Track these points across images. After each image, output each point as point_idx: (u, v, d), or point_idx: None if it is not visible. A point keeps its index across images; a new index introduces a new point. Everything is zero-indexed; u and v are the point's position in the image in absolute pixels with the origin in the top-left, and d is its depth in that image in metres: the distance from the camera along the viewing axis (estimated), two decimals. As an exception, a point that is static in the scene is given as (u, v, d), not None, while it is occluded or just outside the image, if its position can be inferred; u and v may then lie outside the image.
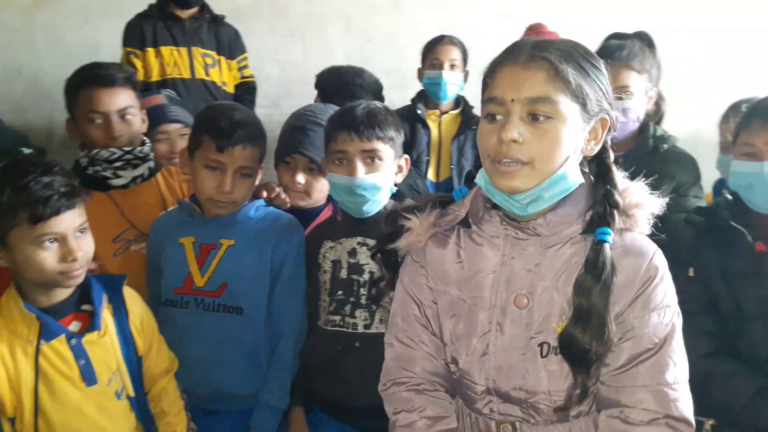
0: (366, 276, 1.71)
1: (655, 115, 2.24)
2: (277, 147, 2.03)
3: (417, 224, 1.30)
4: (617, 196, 1.19)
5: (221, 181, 1.76)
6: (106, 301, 1.58)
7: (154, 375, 1.68)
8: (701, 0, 3.84)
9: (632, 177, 1.25)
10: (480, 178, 1.23)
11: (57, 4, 3.81)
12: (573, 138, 1.14)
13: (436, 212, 1.31)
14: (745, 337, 1.63)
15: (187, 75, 3.16)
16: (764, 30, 3.82)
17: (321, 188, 2.00)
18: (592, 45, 1.35)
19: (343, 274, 1.74)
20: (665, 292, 1.17)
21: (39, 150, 2.38)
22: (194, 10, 3.27)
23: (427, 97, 3.13)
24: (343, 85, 2.44)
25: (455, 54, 3.06)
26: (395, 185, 1.78)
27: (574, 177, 1.17)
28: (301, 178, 1.97)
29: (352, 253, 1.73)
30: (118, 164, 2.02)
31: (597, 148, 1.21)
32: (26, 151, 2.23)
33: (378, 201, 1.72)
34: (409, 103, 3.13)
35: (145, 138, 2.13)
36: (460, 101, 3.17)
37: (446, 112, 3.13)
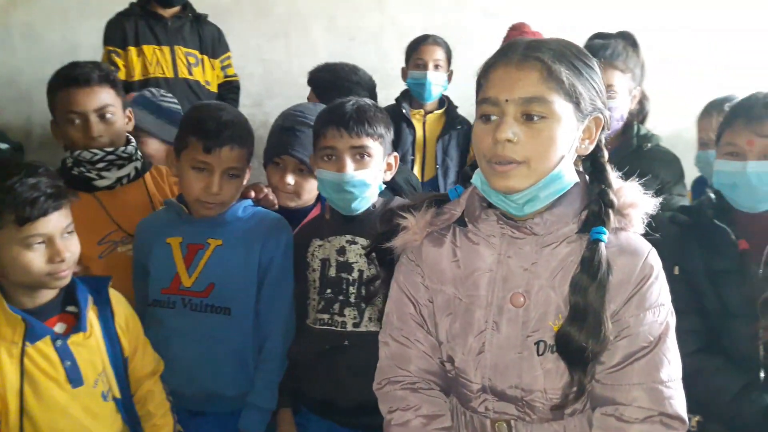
0: (355, 274, 1.71)
1: (639, 114, 2.26)
2: (266, 147, 2.02)
3: (413, 223, 1.30)
4: (612, 195, 1.20)
5: (209, 183, 1.74)
6: (91, 302, 1.56)
7: (140, 377, 1.66)
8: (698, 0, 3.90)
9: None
10: (476, 179, 1.24)
11: (34, 3, 3.77)
12: (567, 137, 1.15)
13: (431, 211, 1.31)
14: (729, 334, 1.65)
15: (170, 74, 3.13)
16: (761, 30, 3.86)
17: (311, 189, 1.99)
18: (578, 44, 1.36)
19: (332, 272, 1.73)
20: (660, 290, 1.19)
21: (16, 144, 2.36)
22: (176, 8, 3.24)
23: (412, 96, 3.13)
24: (338, 82, 2.43)
25: (439, 54, 3.06)
26: (384, 183, 1.78)
27: (569, 176, 1.18)
28: (290, 179, 1.96)
29: (341, 251, 1.73)
30: (100, 165, 2.00)
31: (591, 147, 1.22)
32: (2, 146, 2.21)
33: (367, 198, 1.72)
34: (393, 102, 3.13)
35: (130, 137, 2.10)
36: (444, 101, 3.18)
37: (430, 112, 3.13)
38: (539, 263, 1.20)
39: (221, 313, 1.75)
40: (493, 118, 1.15)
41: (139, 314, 1.79)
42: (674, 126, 2.48)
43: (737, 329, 1.64)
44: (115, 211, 2.00)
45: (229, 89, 3.36)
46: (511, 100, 1.13)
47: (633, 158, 2.08)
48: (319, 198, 2.06)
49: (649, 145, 2.19)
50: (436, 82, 3.04)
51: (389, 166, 1.78)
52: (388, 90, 3.24)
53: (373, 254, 1.44)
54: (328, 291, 1.73)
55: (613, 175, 1.23)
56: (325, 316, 1.72)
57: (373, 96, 2.45)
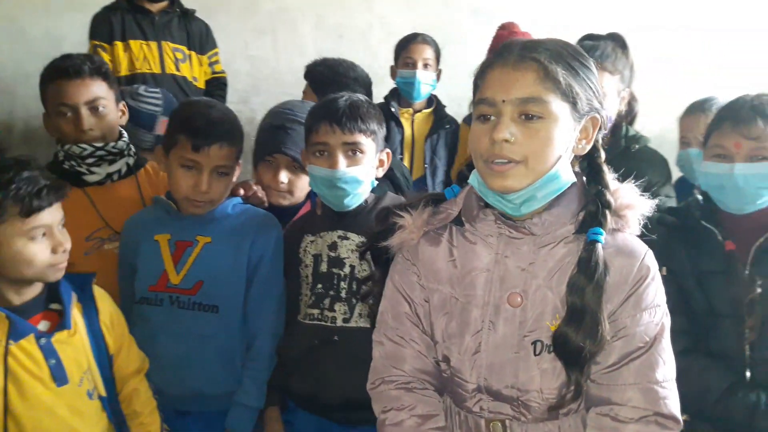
0: (347, 270, 1.70)
1: (628, 115, 2.28)
2: (256, 146, 2.00)
3: (410, 222, 1.30)
4: (609, 196, 1.21)
5: (197, 181, 1.73)
6: (75, 299, 1.55)
7: (125, 375, 1.65)
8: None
9: None
10: (473, 179, 1.24)
11: (17, -4, 3.71)
12: (564, 137, 1.16)
13: (428, 210, 1.32)
14: (716, 334, 1.67)
15: (157, 70, 3.09)
16: (759, 30, 3.91)
17: (303, 186, 1.99)
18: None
19: (324, 267, 1.72)
20: (656, 291, 1.20)
21: None
22: (164, 3, 3.20)
23: (400, 95, 3.13)
24: (336, 78, 2.43)
25: (428, 53, 3.07)
26: (377, 179, 1.77)
27: (566, 176, 1.19)
28: (284, 177, 1.95)
29: (333, 246, 1.72)
30: (90, 160, 1.98)
31: (588, 147, 1.23)
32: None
33: (359, 195, 1.71)
34: (381, 101, 3.13)
35: (123, 131, 2.08)
36: (432, 100, 3.18)
37: (419, 111, 3.13)
38: (537, 263, 1.21)
39: (209, 311, 1.74)
40: (490, 118, 1.16)
41: (124, 312, 1.77)
42: (665, 125, 2.50)
43: (724, 329, 1.66)
44: (104, 208, 1.98)
45: (217, 86, 3.33)
46: (508, 100, 1.13)
47: (621, 159, 2.08)
48: (309, 195, 2.05)
49: (637, 146, 2.20)
50: (425, 81, 3.05)
51: (381, 162, 1.78)
52: (377, 88, 3.21)
53: (368, 253, 1.43)
54: (319, 286, 1.72)
55: (610, 176, 1.24)
56: (315, 311, 1.71)
57: (369, 94, 2.45)
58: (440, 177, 3.10)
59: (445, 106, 3.21)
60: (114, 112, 2.04)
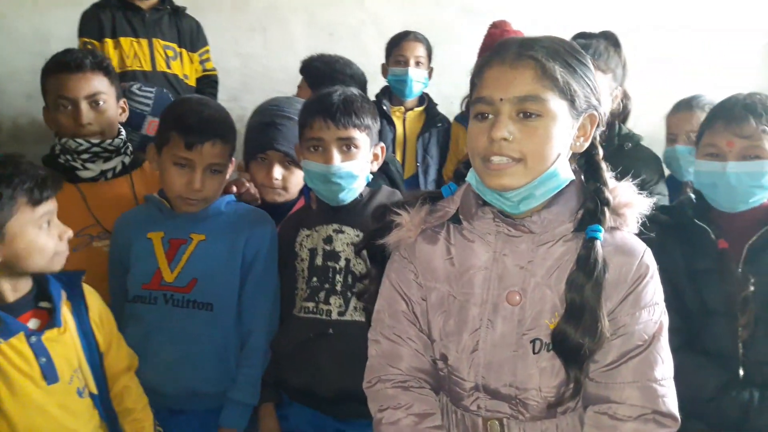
0: (342, 263, 1.70)
1: (621, 113, 2.28)
2: (247, 144, 1.99)
3: (407, 220, 1.30)
4: (607, 193, 1.21)
5: (191, 179, 1.73)
6: (64, 297, 1.53)
7: (116, 373, 1.63)
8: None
9: None
10: (471, 177, 1.24)
11: (3, -8, 3.67)
12: (563, 135, 1.16)
13: (426, 208, 1.31)
14: (709, 332, 1.67)
15: (147, 67, 3.07)
16: (756, 30, 3.94)
17: (297, 182, 1.98)
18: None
19: (319, 261, 1.72)
20: (655, 290, 1.20)
21: None
22: (155, 0, 3.17)
23: (392, 93, 3.12)
24: (333, 74, 2.43)
25: (420, 51, 3.05)
26: (371, 173, 1.77)
27: (565, 174, 1.18)
28: (278, 173, 1.94)
29: (328, 240, 1.72)
30: (85, 156, 1.97)
31: (586, 145, 1.23)
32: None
33: (354, 189, 1.71)
34: (373, 99, 3.12)
35: (122, 129, 2.07)
36: (424, 98, 3.17)
37: (411, 109, 3.12)
38: (535, 261, 1.20)
39: (203, 309, 1.73)
40: (488, 117, 1.15)
41: (116, 312, 1.76)
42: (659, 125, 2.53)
43: (717, 327, 1.66)
44: (95, 205, 1.97)
45: (208, 83, 3.31)
46: (506, 99, 1.13)
47: (614, 158, 2.05)
48: (302, 192, 2.04)
49: (630, 144, 2.21)
50: (417, 79, 3.03)
51: (376, 156, 1.77)
52: (369, 86, 3.23)
53: (364, 251, 1.43)
54: (314, 279, 1.72)
55: (608, 174, 1.24)
56: (310, 305, 1.71)
57: (364, 92, 2.44)
58: (432, 175, 3.09)
59: (436, 105, 3.21)
60: (114, 108, 2.03)
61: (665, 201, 2.15)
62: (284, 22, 3.86)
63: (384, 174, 2.07)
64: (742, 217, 1.70)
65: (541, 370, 1.19)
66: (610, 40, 2.23)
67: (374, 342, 1.34)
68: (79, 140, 1.95)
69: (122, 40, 3.07)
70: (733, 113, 1.68)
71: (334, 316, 1.68)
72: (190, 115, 1.74)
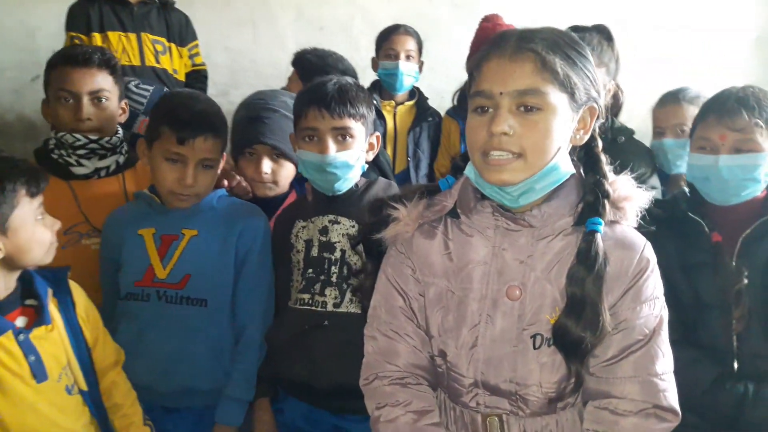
0: (337, 254, 1.68)
1: (613, 107, 2.28)
2: (234, 140, 1.97)
3: (404, 214, 1.28)
4: (607, 186, 1.20)
5: (182, 174, 1.71)
6: (50, 294, 1.52)
7: (103, 368, 1.62)
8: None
9: None
10: (469, 170, 1.22)
11: (-12, -14, 3.63)
12: (563, 128, 1.14)
13: (423, 202, 1.30)
14: (704, 325, 1.67)
15: (136, 62, 3.02)
16: (746, 27, 3.98)
17: (287, 175, 1.97)
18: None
19: (315, 252, 1.70)
20: (655, 284, 1.20)
21: None
22: (143, -6, 3.14)
23: (382, 87, 3.10)
24: (326, 68, 2.42)
25: (411, 44, 3.04)
26: (366, 163, 1.76)
27: (565, 168, 1.17)
28: (267, 167, 1.93)
29: (324, 231, 1.70)
30: (81, 152, 1.95)
31: (586, 138, 1.22)
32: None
33: (350, 179, 1.70)
34: (363, 92, 3.10)
35: (119, 129, 2.05)
36: (415, 92, 3.16)
37: (401, 104, 3.10)
38: (535, 256, 1.19)
39: (197, 305, 1.72)
40: (488, 110, 1.14)
41: (108, 309, 1.75)
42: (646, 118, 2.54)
43: (711, 321, 1.66)
44: (85, 203, 1.94)
45: (197, 78, 3.28)
46: (506, 92, 1.11)
47: (608, 151, 2.06)
48: (293, 186, 2.03)
49: (623, 138, 2.22)
50: (407, 73, 3.02)
51: (371, 146, 1.76)
52: (359, 81, 3.22)
53: (360, 245, 1.41)
54: (310, 271, 1.70)
55: (608, 167, 1.23)
56: (306, 296, 1.69)
57: (355, 87, 2.44)
58: (424, 170, 3.08)
59: (427, 99, 3.19)
60: (115, 107, 2.02)
61: (658, 194, 2.16)
62: (273, 16, 3.83)
63: (375, 166, 2.06)
64: (736, 210, 1.70)
65: (541, 365, 1.18)
66: (603, 33, 2.22)
67: (370, 338, 1.33)
68: (77, 135, 1.93)
69: (110, 34, 3.03)
70: (725, 107, 1.68)
71: (330, 307, 1.66)
72: (181, 109, 1.72)
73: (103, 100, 1.97)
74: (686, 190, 1.82)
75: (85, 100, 1.94)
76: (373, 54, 3.13)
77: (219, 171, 1.82)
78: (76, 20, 3.03)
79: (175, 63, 3.18)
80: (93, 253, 1.89)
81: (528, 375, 1.19)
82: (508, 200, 1.18)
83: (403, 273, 1.30)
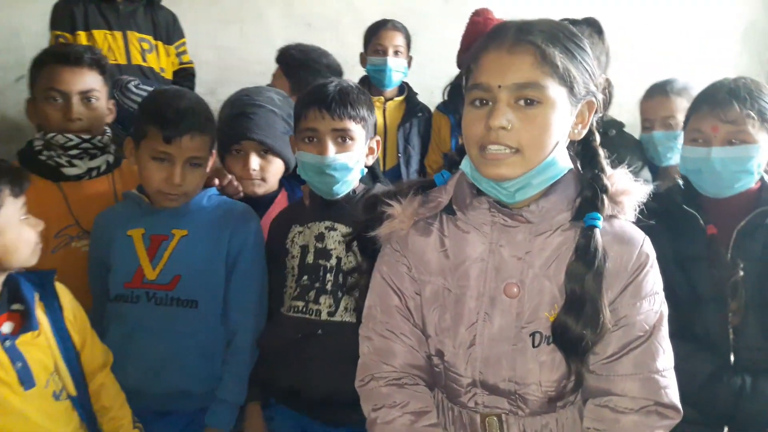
0: (333, 261, 1.66)
1: (603, 101, 2.27)
2: (220, 138, 1.94)
3: (399, 211, 1.26)
4: (605, 180, 1.18)
5: (170, 173, 1.69)
6: (37, 298, 1.49)
7: (91, 371, 1.60)
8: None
9: None
10: (465, 165, 1.20)
11: (-30, -15, 3.57)
12: (562, 123, 1.12)
13: (418, 198, 1.27)
14: (700, 318, 1.67)
15: (122, 61, 2.98)
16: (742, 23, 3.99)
17: (275, 171, 1.96)
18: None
19: (310, 258, 1.69)
20: (655, 279, 1.18)
21: None
22: (128, -9, 3.10)
23: (371, 83, 3.08)
24: (309, 63, 2.43)
25: (399, 40, 3.01)
26: (365, 167, 1.74)
27: (563, 163, 1.16)
28: (255, 163, 1.91)
29: (320, 237, 1.69)
30: (74, 152, 1.92)
31: (584, 132, 1.20)
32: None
33: (348, 182, 1.68)
34: (352, 88, 3.08)
35: (107, 129, 2.02)
36: (404, 88, 3.14)
37: (390, 99, 3.09)
38: (533, 252, 1.18)
39: (188, 306, 1.69)
40: (486, 104, 1.12)
41: (97, 311, 1.73)
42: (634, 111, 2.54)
43: (708, 314, 1.66)
44: (76, 205, 1.92)
45: (185, 77, 3.24)
46: (504, 86, 1.09)
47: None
48: (282, 184, 2.01)
49: (614, 131, 2.21)
50: (396, 69, 3.00)
51: (371, 150, 1.74)
52: (347, 77, 3.19)
53: (354, 243, 1.39)
54: (305, 278, 1.68)
55: (606, 161, 1.22)
56: (300, 304, 1.67)
57: (340, 83, 2.42)
58: (414, 166, 3.06)
59: (417, 94, 3.18)
60: (104, 107, 2.00)
61: (648, 186, 2.15)
62: (261, 13, 3.80)
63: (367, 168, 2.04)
64: (730, 202, 1.69)
65: (540, 364, 1.16)
66: (593, 27, 2.21)
67: (366, 339, 1.30)
68: (70, 135, 1.90)
69: (95, 32, 2.98)
70: (717, 98, 1.68)
71: (324, 316, 1.64)
72: (166, 107, 1.70)
73: (93, 100, 1.94)
74: (680, 182, 1.81)
75: (75, 100, 1.91)
76: (361, 50, 3.10)
77: (208, 169, 1.79)
78: (60, 19, 2.99)
79: (162, 61, 3.15)
80: (83, 256, 1.87)
81: (527, 374, 1.17)
82: (504, 195, 1.16)
83: (398, 271, 1.27)
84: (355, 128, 1.65)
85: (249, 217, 1.80)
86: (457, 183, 1.25)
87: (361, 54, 3.10)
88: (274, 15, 3.81)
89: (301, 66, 2.41)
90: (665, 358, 1.17)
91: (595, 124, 1.22)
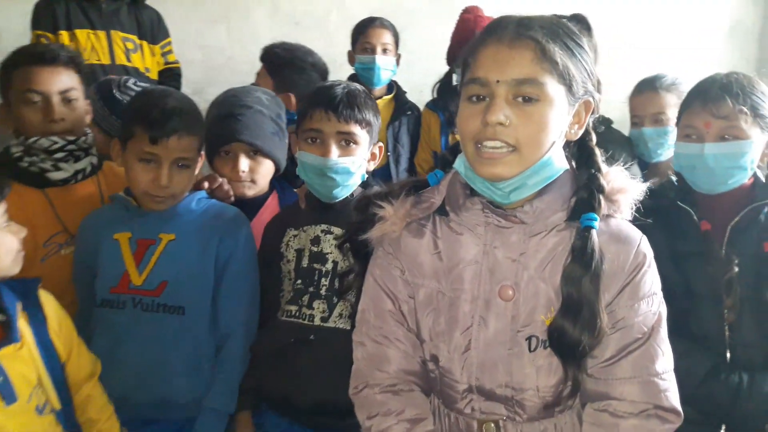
0: (329, 266, 1.63)
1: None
2: (208, 140, 1.90)
3: (391, 212, 1.23)
4: (602, 180, 1.16)
5: (157, 175, 1.65)
6: (20, 308, 1.44)
7: (78, 381, 1.55)
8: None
9: None
10: (459, 164, 1.17)
11: (-51, -15, 3.51)
12: (559, 122, 1.10)
13: (411, 199, 1.24)
14: (695, 315, 1.65)
15: (106, 61, 2.94)
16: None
17: (265, 173, 1.93)
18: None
19: (305, 262, 1.65)
20: (653, 279, 1.16)
21: None
22: (111, -10, 3.05)
23: (359, 82, 3.05)
24: (294, 61, 2.40)
25: (387, 38, 2.99)
26: (367, 172, 1.71)
27: (558, 163, 1.13)
28: (244, 165, 1.89)
29: (316, 241, 1.66)
30: (59, 155, 1.85)
31: (581, 132, 1.17)
32: None
33: (348, 186, 1.66)
34: (340, 87, 3.05)
35: (87, 129, 1.97)
36: (392, 86, 3.11)
37: (379, 98, 3.05)
38: (528, 253, 1.15)
39: (175, 312, 1.66)
40: (483, 99, 1.09)
41: (83, 317, 1.69)
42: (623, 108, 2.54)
43: (703, 311, 1.64)
44: (63, 210, 1.86)
45: (170, 77, 3.21)
46: (503, 81, 1.07)
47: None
48: (274, 186, 1.98)
49: (603, 128, 2.20)
50: (384, 67, 2.97)
51: (373, 156, 1.72)
52: (335, 76, 3.16)
53: (347, 246, 1.36)
54: (299, 282, 1.65)
55: (601, 160, 1.20)
56: (293, 308, 1.64)
57: (325, 81, 2.39)
58: (404, 165, 3.04)
59: (405, 92, 3.16)
60: (83, 106, 1.94)
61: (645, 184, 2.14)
62: (247, 11, 3.78)
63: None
64: (724, 198, 1.68)
65: (537, 368, 1.14)
66: (582, 23, 2.20)
67: (359, 344, 1.27)
68: (54, 138, 1.84)
69: (78, 32, 2.94)
70: (709, 94, 1.66)
71: (317, 321, 1.61)
72: (153, 107, 1.66)
73: (73, 100, 1.88)
74: (674, 179, 1.80)
75: (56, 100, 1.84)
76: (349, 48, 3.08)
77: (197, 171, 1.76)
78: (42, 18, 2.94)
79: (147, 61, 3.11)
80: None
81: (524, 379, 1.15)
82: (498, 196, 1.14)
83: (391, 274, 1.24)
84: (360, 132, 1.62)
85: (239, 222, 1.76)
86: (450, 183, 1.22)
87: (349, 52, 3.08)
88: (262, 14, 3.79)
89: (285, 64, 2.38)
90: (665, 360, 1.15)
91: (591, 124, 1.20)
